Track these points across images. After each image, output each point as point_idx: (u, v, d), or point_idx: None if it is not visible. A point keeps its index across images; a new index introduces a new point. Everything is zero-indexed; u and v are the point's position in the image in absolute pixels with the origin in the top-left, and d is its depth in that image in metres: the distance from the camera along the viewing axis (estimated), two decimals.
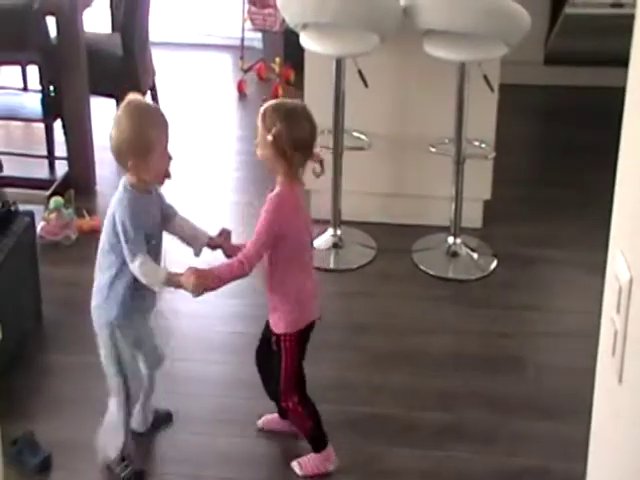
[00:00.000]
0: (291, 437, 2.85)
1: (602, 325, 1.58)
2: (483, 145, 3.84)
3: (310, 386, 2.79)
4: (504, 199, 4.05)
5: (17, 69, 4.82)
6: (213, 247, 2.72)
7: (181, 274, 2.53)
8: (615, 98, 1.82)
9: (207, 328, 3.42)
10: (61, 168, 4.32)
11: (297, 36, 3.67)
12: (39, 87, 4.19)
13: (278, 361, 2.68)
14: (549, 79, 5.13)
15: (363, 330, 3.43)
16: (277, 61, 5.25)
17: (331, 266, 3.82)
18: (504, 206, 4.07)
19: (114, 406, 2.68)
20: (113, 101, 4.23)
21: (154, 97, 4.75)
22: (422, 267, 3.77)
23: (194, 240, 2.69)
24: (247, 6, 5.25)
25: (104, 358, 2.66)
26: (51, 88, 4.16)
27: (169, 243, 2.71)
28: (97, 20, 4.88)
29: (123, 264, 2.53)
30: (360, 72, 3.63)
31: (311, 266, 2.71)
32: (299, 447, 2.83)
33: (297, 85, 4.79)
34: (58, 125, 4.26)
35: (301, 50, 3.73)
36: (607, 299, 1.55)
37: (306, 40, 3.61)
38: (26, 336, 3.29)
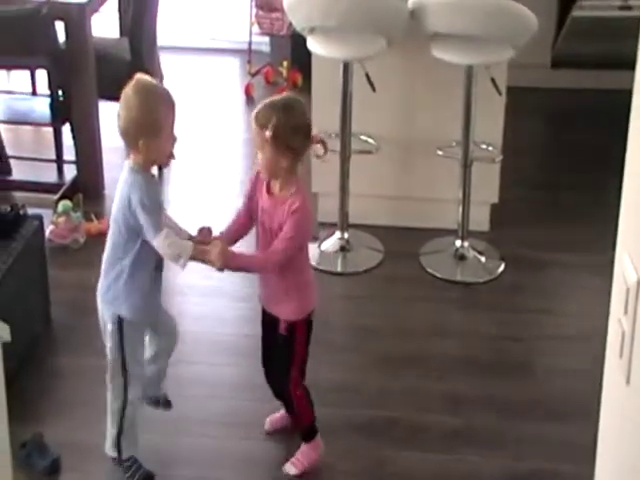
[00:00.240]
0: (298, 439, 2.86)
1: (609, 327, 1.58)
2: (490, 148, 3.84)
3: (318, 388, 2.80)
4: (511, 202, 4.05)
5: (26, 74, 4.84)
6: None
7: (206, 248, 2.53)
8: (622, 101, 1.82)
9: (214, 330, 3.42)
10: (70, 172, 4.33)
11: (304, 40, 3.67)
12: (48, 91, 4.21)
13: (288, 350, 2.69)
14: (556, 82, 5.13)
15: (370, 333, 3.43)
16: (284, 65, 5.26)
17: (338, 269, 3.82)
18: (511, 209, 4.07)
19: (111, 395, 2.68)
20: None
21: None
22: (429, 270, 3.77)
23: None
24: (254, 10, 5.27)
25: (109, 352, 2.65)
26: (60, 92, 4.18)
27: None
28: (105, 25, 4.90)
29: (141, 251, 2.52)
30: (367, 76, 3.63)
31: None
32: None
33: (304, 89, 4.79)
34: (67, 129, 4.27)
35: (308, 54, 3.74)
36: (614, 301, 1.55)
37: (313, 44, 3.61)
38: (35, 339, 3.30)
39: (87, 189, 4.15)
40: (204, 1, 6.08)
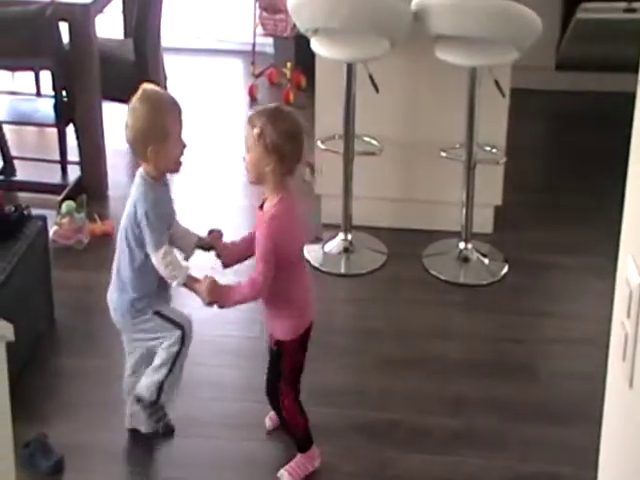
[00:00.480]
0: None
1: (612, 330, 1.58)
2: (494, 150, 3.84)
3: (319, 390, 2.80)
4: (515, 204, 4.05)
5: (30, 75, 4.85)
6: (207, 249, 2.73)
7: (199, 280, 2.55)
8: (626, 104, 1.82)
9: (217, 333, 3.43)
10: (73, 173, 4.34)
11: (308, 41, 3.68)
12: (52, 92, 4.21)
13: (277, 364, 2.70)
14: (560, 84, 5.13)
15: (373, 334, 3.43)
16: (288, 66, 5.26)
17: (342, 271, 3.83)
18: (515, 211, 4.07)
19: (166, 344, 2.66)
20: (125, 106, 4.24)
21: None
22: (433, 272, 3.77)
23: (183, 239, 2.69)
24: (258, 11, 5.27)
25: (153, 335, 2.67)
26: (64, 93, 4.18)
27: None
28: (109, 26, 4.91)
29: (147, 256, 2.56)
30: (371, 77, 3.64)
31: (304, 263, 2.73)
32: None
33: (308, 90, 4.80)
34: (71, 130, 4.28)
35: (312, 55, 3.74)
36: (617, 303, 1.55)
37: (317, 45, 3.62)
38: (39, 339, 3.30)
39: (91, 190, 4.16)
40: (208, 2, 6.09)
